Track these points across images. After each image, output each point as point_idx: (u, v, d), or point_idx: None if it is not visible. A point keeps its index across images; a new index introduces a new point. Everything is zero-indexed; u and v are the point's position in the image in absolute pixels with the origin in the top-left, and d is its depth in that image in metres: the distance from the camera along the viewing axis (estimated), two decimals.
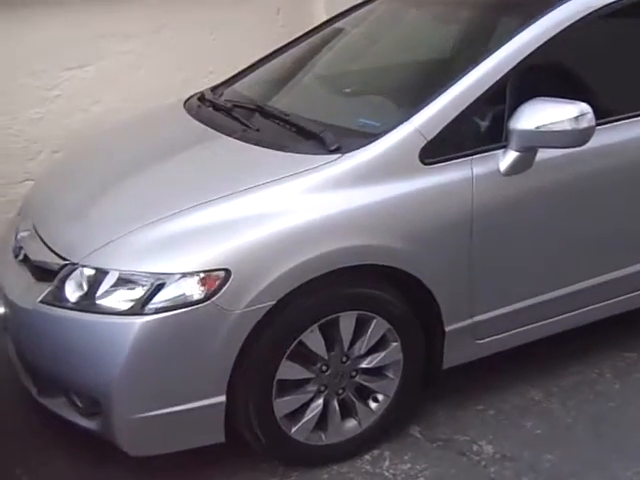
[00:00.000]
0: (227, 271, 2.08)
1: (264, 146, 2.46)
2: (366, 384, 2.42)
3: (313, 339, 2.26)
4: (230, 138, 2.57)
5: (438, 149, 2.33)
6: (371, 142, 2.31)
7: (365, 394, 2.46)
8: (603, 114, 2.50)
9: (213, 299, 2.08)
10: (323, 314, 2.25)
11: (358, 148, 2.31)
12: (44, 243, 2.41)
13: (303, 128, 2.49)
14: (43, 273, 2.34)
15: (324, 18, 3.69)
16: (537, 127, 2.30)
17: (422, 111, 2.34)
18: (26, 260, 2.46)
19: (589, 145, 2.42)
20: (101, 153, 2.89)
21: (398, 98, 2.61)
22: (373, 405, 2.47)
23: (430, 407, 2.77)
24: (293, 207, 2.20)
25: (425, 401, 2.76)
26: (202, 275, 2.07)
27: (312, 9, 4.19)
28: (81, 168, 2.83)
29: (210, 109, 2.91)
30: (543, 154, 2.43)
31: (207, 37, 3.99)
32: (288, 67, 3.16)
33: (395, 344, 2.41)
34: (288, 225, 2.16)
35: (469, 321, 2.51)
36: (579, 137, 2.31)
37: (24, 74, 3.53)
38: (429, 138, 2.32)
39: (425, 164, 2.32)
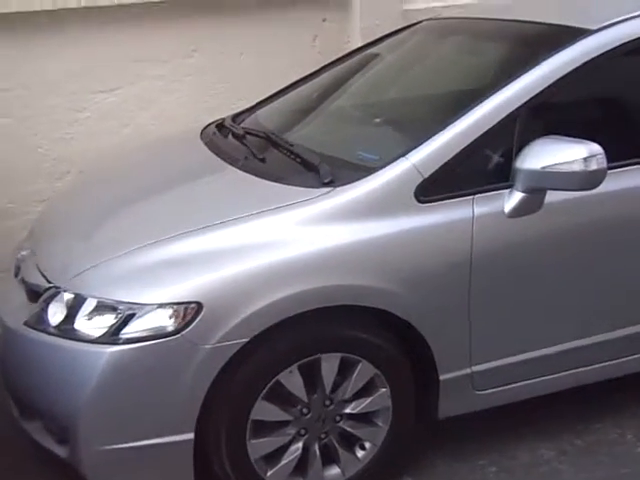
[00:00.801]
0: (199, 304, 2.01)
1: (262, 177, 2.39)
2: (351, 431, 2.30)
3: (292, 380, 2.15)
4: (233, 168, 2.53)
5: (436, 187, 2.22)
6: (365, 177, 2.22)
7: (351, 441, 2.34)
8: (620, 157, 2.35)
9: (184, 332, 2.01)
10: (303, 354, 2.14)
11: (351, 182, 2.21)
12: (37, 264, 2.43)
13: (303, 160, 2.41)
14: (34, 294, 2.35)
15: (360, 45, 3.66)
16: (543, 167, 2.16)
17: (421, 147, 2.23)
18: (23, 280, 2.48)
19: (603, 189, 2.26)
20: (110, 178, 2.88)
21: (402, 132, 2.51)
22: (360, 453, 2.34)
23: (429, 457, 2.61)
24: (274, 241, 2.12)
25: (424, 450, 2.62)
26: (174, 307, 2.01)
27: (349, 36, 4.14)
28: (89, 192, 2.84)
29: (223, 137, 2.87)
30: (554, 196, 2.27)
31: (239, 63, 3.96)
32: (309, 96, 3.10)
33: (384, 390, 2.28)
34: (266, 260, 2.08)
35: (467, 370, 2.36)
36: (589, 179, 2.16)
37: (55, 95, 3.57)
38: (426, 175, 2.20)
39: (421, 202, 2.20)
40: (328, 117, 2.90)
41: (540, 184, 2.20)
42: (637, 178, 2.41)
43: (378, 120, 2.67)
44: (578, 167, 2.12)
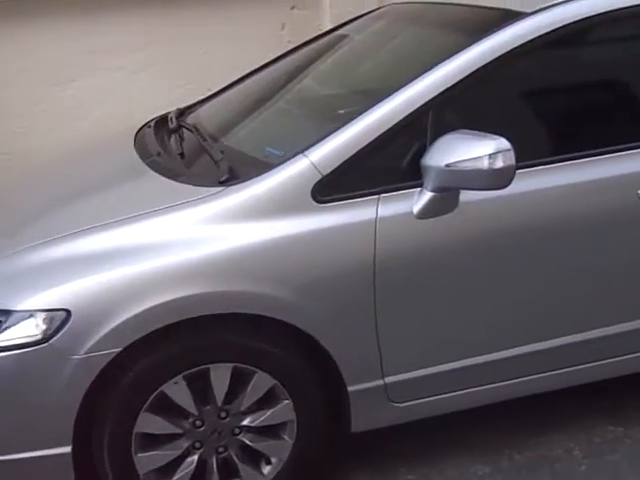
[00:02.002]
0: (67, 312, 1.90)
1: (165, 175, 2.26)
2: (252, 444, 2.16)
3: (178, 391, 2.02)
4: (144, 165, 2.40)
5: (337, 186, 2.05)
6: (259, 175, 2.07)
7: (255, 455, 2.19)
8: (549, 152, 2.16)
9: (51, 341, 1.90)
10: (188, 365, 2.01)
11: (245, 181, 2.07)
12: None
13: (208, 156, 2.28)
14: None
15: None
16: (448, 165, 1.97)
17: (320, 143, 2.07)
18: None
19: (527, 188, 2.10)
20: (37, 179, 2.77)
21: (314, 127, 2.32)
22: (265, 468, 2.19)
23: (352, 473, 2.43)
24: (155, 244, 1.98)
25: (347, 465, 2.44)
26: (42, 315, 1.90)
27: (320, 24, 3.97)
28: (15, 192, 2.73)
29: (153, 133, 2.74)
30: (471, 195, 2.09)
31: (202, 53, 3.86)
32: (251, 90, 2.93)
33: (286, 402, 2.13)
34: (143, 265, 1.95)
35: (380, 382, 2.19)
36: (496, 178, 1.96)
37: (7, 88, 3.54)
38: (325, 173, 2.04)
39: (319, 202, 2.03)
40: (260, 112, 2.72)
41: (445, 183, 2.01)
42: (566, 176, 2.19)
43: (300, 114, 2.51)
44: (484, 164, 1.92)
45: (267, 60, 3.21)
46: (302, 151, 2.07)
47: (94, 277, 1.93)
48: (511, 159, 1.93)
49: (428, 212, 2.07)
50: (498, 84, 2.19)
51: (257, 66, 3.18)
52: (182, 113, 2.98)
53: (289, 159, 2.07)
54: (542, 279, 2.21)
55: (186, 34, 3.81)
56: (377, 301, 2.08)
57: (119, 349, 1.91)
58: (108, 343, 1.90)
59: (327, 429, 2.24)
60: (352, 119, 2.09)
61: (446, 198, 2.06)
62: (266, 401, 2.14)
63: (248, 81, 3.01)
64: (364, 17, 3.09)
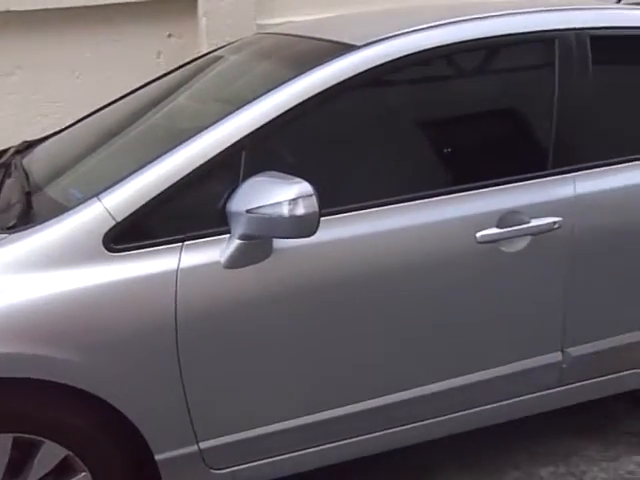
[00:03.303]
0: None
1: None
2: None
3: None
4: None
5: (133, 233, 1.85)
6: (46, 222, 1.85)
7: None
8: (362, 197, 2.00)
9: None
10: None
11: (30, 228, 1.84)
12: None
13: (9, 200, 2.07)
14: None
15: None
16: (249, 210, 1.80)
17: (117, 185, 1.87)
18: None
19: (343, 234, 1.94)
20: None
21: (122, 168, 2.05)
22: None
23: None
24: None
25: None
26: None
27: (199, 52, 3.77)
28: None
29: None
30: (287, 242, 1.91)
31: (73, 81, 3.66)
32: (90, 128, 2.72)
33: (83, 474, 1.90)
34: None
35: (194, 448, 1.98)
36: (299, 225, 1.78)
37: None
38: (119, 219, 1.84)
39: (112, 251, 1.83)
40: (92, 150, 2.44)
41: (249, 230, 1.83)
42: (394, 220, 2.02)
43: (120, 153, 2.29)
44: (284, 211, 1.75)
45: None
46: (97, 194, 1.87)
47: None
48: (313, 205, 1.76)
49: (237, 261, 1.88)
50: (317, 122, 2.02)
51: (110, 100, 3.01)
52: (30, 146, 2.77)
53: (82, 203, 1.86)
54: (365, 331, 2.04)
55: (59, 60, 3.60)
56: (182, 360, 1.88)
57: None
58: None
59: None
60: (154, 159, 1.90)
61: (256, 246, 1.88)
62: (60, 473, 1.91)
63: (97, 115, 2.81)
64: (219, 49, 2.92)
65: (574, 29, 2.28)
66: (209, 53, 3.02)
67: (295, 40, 2.54)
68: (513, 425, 2.43)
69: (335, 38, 2.23)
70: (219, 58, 2.73)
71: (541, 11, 2.40)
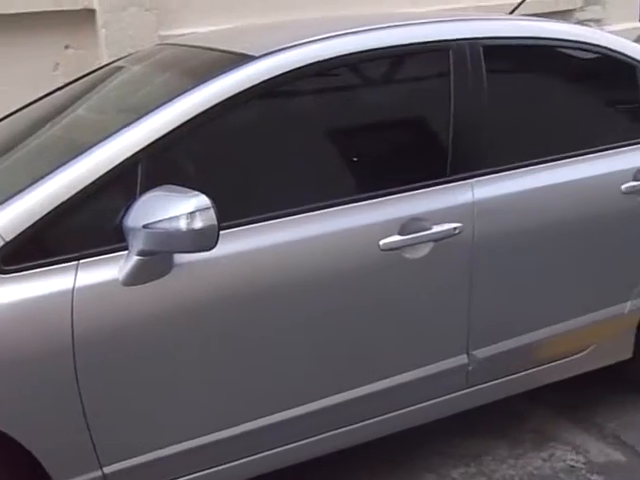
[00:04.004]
0: None
1: None
2: None
3: None
4: None
5: (25, 252, 1.77)
6: None
7: None
8: (264, 209, 1.98)
9: None
10: None
11: None
12: None
13: None
14: None
15: None
16: (145, 225, 1.75)
17: (6, 203, 1.78)
18: None
19: (246, 246, 1.92)
20: None
21: (13, 182, 1.95)
22: None
23: None
24: None
25: None
26: None
27: (100, 63, 3.68)
28: None
29: None
30: (189, 256, 1.87)
31: None
32: None
33: None
34: None
35: (97, 473, 1.90)
36: (198, 239, 1.75)
37: None
38: (9, 239, 1.75)
39: (2, 272, 1.74)
40: None
41: (147, 245, 1.78)
42: (295, 231, 2.01)
43: (14, 168, 2.17)
44: (181, 225, 1.72)
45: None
46: None
47: None
48: (211, 218, 1.73)
49: (136, 278, 1.83)
50: (216, 133, 2.00)
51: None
52: None
53: None
54: (272, 343, 2.02)
55: None
56: (81, 383, 1.80)
57: None
58: None
59: None
60: (46, 174, 1.82)
61: (156, 261, 1.83)
62: None
63: None
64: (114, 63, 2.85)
65: (467, 39, 2.34)
66: (110, 64, 2.97)
67: (195, 51, 2.51)
68: (425, 429, 2.47)
69: (234, 49, 2.22)
70: (120, 69, 2.67)
71: (436, 22, 2.47)
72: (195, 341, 1.92)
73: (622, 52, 2.65)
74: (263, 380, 2.04)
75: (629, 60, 2.65)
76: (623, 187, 2.50)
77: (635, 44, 2.85)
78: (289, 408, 2.08)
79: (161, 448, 1.95)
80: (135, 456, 1.93)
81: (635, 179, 2.53)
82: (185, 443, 1.98)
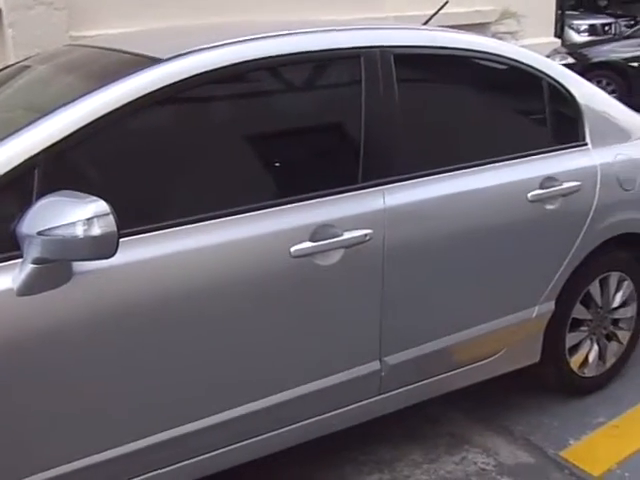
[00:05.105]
0: None
1: None
2: None
3: None
4: None
5: None
6: None
7: None
8: (168, 216, 1.93)
9: None
10: None
11: None
12: None
13: None
14: None
15: None
16: (40, 232, 1.67)
17: None
18: None
19: (149, 254, 1.86)
20: None
21: None
22: None
23: None
24: None
25: None
26: None
27: (6, 64, 3.57)
28: None
29: None
30: (90, 264, 1.80)
31: None
32: None
33: None
34: None
35: None
36: (97, 246, 1.69)
37: None
38: None
39: None
40: None
41: (44, 253, 1.70)
42: (201, 238, 1.96)
43: None
44: (78, 232, 1.65)
45: None
46: None
47: None
48: (110, 225, 1.67)
49: (32, 287, 1.74)
50: (119, 137, 1.94)
51: None
52: None
53: None
54: (177, 352, 1.96)
55: None
56: None
57: None
58: None
59: None
60: None
61: (53, 270, 1.75)
62: None
63: None
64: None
65: (378, 47, 2.35)
66: (16, 63, 2.85)
67: (103, 52, 2.43)
68: (337, 437, 2.45)
69: (142, 51, 2.15)
70: (26, 68, 2.57)
71: (348, 29, 2.47)
72: (95, 354, 1.85)
73: (530, 64, 2.73)
74: (168, 392, 1.98)
75: (536, 72, 2.74)
76: (529, 195, 2.56)
77: (543, 57, 2.94)
78: (200, 418, 2.03)
79: (69, 462, 1.86)
80: (43, 471, 1.83)
81: (542, 187, 2.60)
82: (93, 457, 1.89)
